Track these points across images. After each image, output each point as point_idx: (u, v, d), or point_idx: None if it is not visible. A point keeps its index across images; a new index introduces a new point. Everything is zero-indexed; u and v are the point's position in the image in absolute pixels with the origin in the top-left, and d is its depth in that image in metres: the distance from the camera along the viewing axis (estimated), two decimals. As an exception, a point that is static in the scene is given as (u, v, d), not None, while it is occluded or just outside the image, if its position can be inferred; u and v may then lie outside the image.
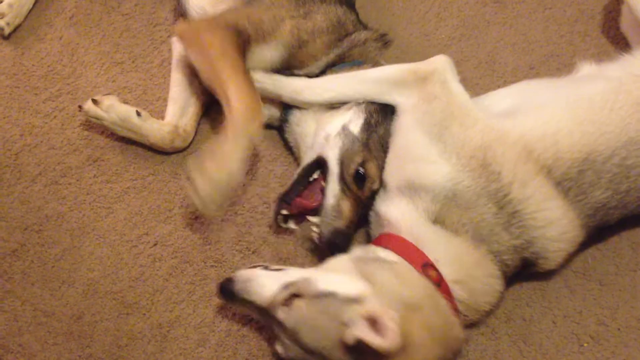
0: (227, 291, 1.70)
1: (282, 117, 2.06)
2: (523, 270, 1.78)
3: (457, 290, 1.66)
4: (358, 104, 1.93)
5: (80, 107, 2.07)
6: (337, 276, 1.63)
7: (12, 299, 1.92)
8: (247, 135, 1.85)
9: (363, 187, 1.86)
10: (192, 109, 2.14)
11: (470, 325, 1.77)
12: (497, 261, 1.70)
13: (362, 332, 1.46)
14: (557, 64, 2.27)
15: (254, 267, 1.75)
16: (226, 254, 1.97)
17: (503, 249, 1.70)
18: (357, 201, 1.85)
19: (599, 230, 1.85)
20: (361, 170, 1.84)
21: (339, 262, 1.71)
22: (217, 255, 1.97)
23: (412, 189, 1.72)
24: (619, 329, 1.83)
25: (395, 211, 1.74)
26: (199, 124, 2.16)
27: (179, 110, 2.13)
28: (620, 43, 2.24)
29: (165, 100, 2.17)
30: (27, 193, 2.07)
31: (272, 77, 2.00)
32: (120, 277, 1.94)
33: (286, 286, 1.63)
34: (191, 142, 2.14)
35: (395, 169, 1.81)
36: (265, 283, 1.67)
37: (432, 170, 1.72)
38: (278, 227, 1.90)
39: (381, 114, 1.91)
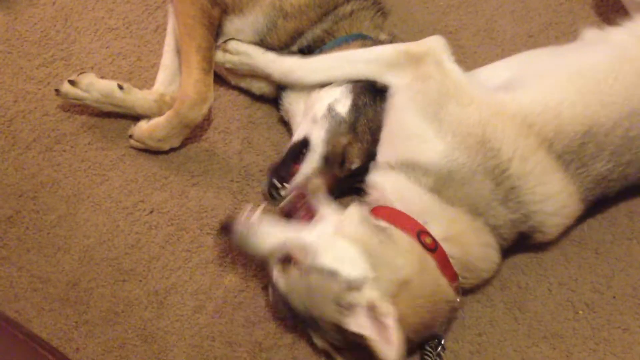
0: (227, 232, 1.70)
1: (278, 93, 2.04)
2: (519, 243, 1.77)
3: (450, 248, 1.65)
4: (347, 83, 1.90)
5: (57, 90, 2.02)
6: (341, 250, 1.61)
7: (8, 266, 1.91)
8: (188, 121, 1.93)
9: (342, 167, 1.86)
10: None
11: (468, 292, 1.78)
12: (494, 234, 1.69)
13: (371, 334, 1.49)
14: (556, 32, 2.26)
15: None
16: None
17: (500, 223, 1.69)
18: (332, 179, 1.86)
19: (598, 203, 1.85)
20: (345, 152, 1.84)
21: (351, 216, 1.68)
22: (214, 223, 1.96)
23: (406, 166, 1.71)
24: (614, 297, 1.84)
25: (389, 184, 1.73)
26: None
27: (168, 77, 2.11)
28: (620, 11, 2.21)
29: (161, 67, 2.14)
30: (21, 160, 2.06)
31: (264, 54, 1.98)
32: (116, 244, 1.94)
33: (284, 246, 1.63)
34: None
35: (389, 146, 1.79)
36: (267, 233, 1.66)
37: (426, 148, 1.70)
38: (271, 199, 1.89)
39: (369, 95, 1.88)
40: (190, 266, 1.91)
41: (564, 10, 2.29)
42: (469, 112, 1.70)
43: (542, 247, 1.88)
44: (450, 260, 1.65)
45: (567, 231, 1.85)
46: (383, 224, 1.66)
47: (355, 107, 1.87)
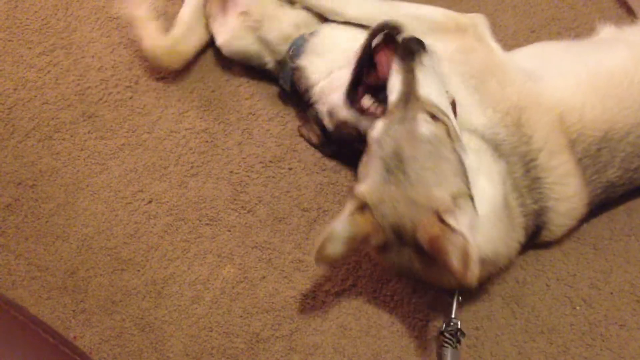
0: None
1: (277, 67, 2.01)
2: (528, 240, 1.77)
3: None
4: None
5: None
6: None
7: (6, 253, 1.91)
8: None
9: None
10: (196, 38, 2.11)
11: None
12: (523, 215, 1.68)
13: (454, 257, 1.42)
14: (558, 28, 2.25)
15: None
16: (221, 212, 1.96)
17: (526, 211, 1.68)
18: None
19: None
20: None
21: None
22: (212, 214, 1.96)
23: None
24: (611, 293, 1.84)
25: None
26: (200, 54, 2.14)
27: (181, 33, 2.09)
28: (623, 7, 2.20)
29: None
30: (20, 148, 2.05)
31: None
32: (115, 233, 1.94)
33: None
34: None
35: None
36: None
37: (473, 116, 1.68)
38: (361, 111, 1.77)
39: None
40: (189, 256, 1.91)
41: (565, 6, 2.28)
42: (508, 93, 1.70)
43: (543, 246, 1.88)
44: None
45: (569, 232, 1.85)
46: None
47: None
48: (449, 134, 1.55)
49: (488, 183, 1.62)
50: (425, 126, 1.53)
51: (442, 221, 1.45)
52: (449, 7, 2.26)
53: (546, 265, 1.88)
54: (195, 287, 1.87)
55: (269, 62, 2.04)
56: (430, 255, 1.48)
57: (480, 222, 1.54)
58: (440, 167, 1.51)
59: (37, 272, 1.88)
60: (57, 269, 1.89)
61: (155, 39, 2.05)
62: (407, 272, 1.61)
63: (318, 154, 2.03)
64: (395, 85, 1.60)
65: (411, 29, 1.76)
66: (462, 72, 1.73)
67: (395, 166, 1.51)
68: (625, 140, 1.71)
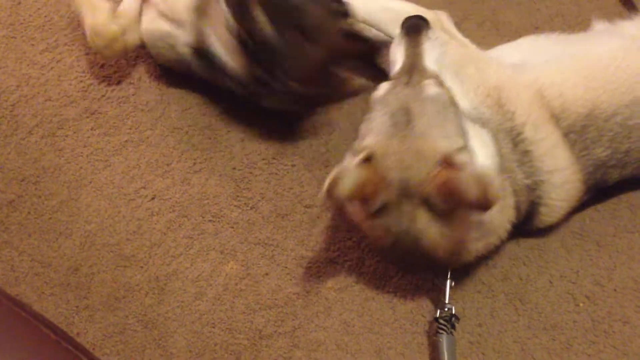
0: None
1: None
2: (523, 224, 1.77)
3: None
4: None
5: None
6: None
7: (9, 250, 1.91)
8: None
9: None
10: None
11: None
12: (514, 196, 1.69)
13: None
14: (562, 24, 2.24)
15: None
16: (224, 209, 1.96)
17: (518, 188, 1.69)
18: None
19: (598, 192, 1.85)
20: None
21: None
22: (215, 210, 1.96)
23: None
24: (615, 290, 1.84)
25: None
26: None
27: (128, 23, 2.05)
28: (627, 4, 2.20)
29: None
30: (23, 144, 2.05)
31: None
32: (118, 229, 1.94)
33: None
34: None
35: None
36: None
37: (457, 100, 1.69)
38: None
39: None
40: (192, 253, 1.91)
41: (570, 2, 2.28)
42: (486, 76, 1.75)
43: (543, 236, 1.88)
44: None
45: (568, 216, 1.85)
46: None
47: None
48: (452, 100, 1.61)
49: (484, 149, 1.64)
50: (432, 89, 1.60)
51: (449, 166, 1.49)
52: (450, 4, 2.29)
53: (549, 262, 1.87)
54: (198, 283, 1.87)
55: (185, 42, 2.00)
56: (439, 206, 1.50)
57: None
58: (445, 126, 1.56)
59: (40, 269, 1.89)
60: (60, 266, 1.89)
61: (102, 24, 2.01)
62: (401, 243, 1.59)
63: (320, 150, 2.03)
64: (398, 57, 1.69)
65: (381, 18, 1.88)
66: (441, 60, 1.75)
67: (403, 120, 1.55)
68: (612, 121, 1.73)
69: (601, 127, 1.73)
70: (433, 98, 1.59)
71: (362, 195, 1.55)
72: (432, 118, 1.56)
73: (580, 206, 1.86)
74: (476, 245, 1.69)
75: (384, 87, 1.66)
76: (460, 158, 1.51)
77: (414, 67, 1.66)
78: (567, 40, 1.96)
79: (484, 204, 1.47)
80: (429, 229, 1.56)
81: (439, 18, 1.87)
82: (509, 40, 2.22)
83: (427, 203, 1.52)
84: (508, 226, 1.72)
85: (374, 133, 1.59)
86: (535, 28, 2.24)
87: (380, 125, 1.59)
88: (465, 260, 1.71)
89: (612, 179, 1.82)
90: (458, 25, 2.23)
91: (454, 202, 1.49)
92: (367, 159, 1.54)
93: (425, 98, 1.59)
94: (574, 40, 1.95)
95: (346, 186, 1.52)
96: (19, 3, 2.26)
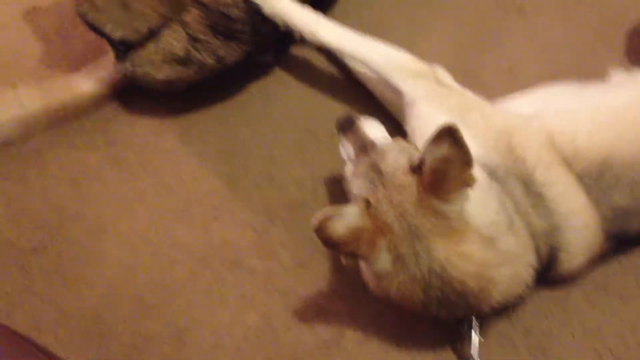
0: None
1: None
2: (545, 272, 1.75)
3: None
4: None
5: None
6: None
7: (31, 296, 1.92)
8: None
9: None
10: None
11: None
12: (532, 238, 1.68)
13: None
14: (580, 73, 2.24)
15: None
16: (244, 257, 1.97)
17: (535, 232, 1.68)
18: None
19: (620, 242, 1.83)
20: None
21: None
22: (235, 258, 1.97)
23: None
24: (638, 343, 1.82)
25: None
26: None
27: None
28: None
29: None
30: (47, 191, 2.08)
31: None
32: (139, 278, 1.95)
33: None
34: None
35: None
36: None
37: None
38: None
39: None
40: (211, 302, 1.91)
41: (588, 51, 2.29)
42: (493, 122, 1.77)
43: (565, 289, 1.86)
44: None
45: (590, 268, 1.83)
46: None
47: None
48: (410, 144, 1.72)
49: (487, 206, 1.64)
50: (386, 143, 1.73)
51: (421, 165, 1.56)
52: (470, 52, 2.32)
53: (572, 315, 1.85)
54: (217, 332, 1.87)
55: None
56: (437, 193, 1.53)
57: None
58: (410, 153, 1.64)
59: (62, 318, 1.89)
60: (82, 316, 1.89)
61: None
62: (431, 289, 1.58)
63: (340, 200, 2.04)
64: (349, 151, 1.81)
65: (378, 63, 1.92)
66: (446, 109, 1.80)
67: (376, 175, 1.62)
68: (630, 169, 1.71)
69: (618, 175, 1.71)
70: (390, 145, 1.71)
71: (359, 239, 1.55)
72: (396, 155, 1.64)
73: (603, 258, 1.84)
74: (500, 272, 1.63)
75: (348, 168, 1.79)
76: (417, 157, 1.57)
77: (364, 145, 1.75)
78: (582, 90, 1.96)
79: (465, 160, 1.51)
80: (449, 254, 1.55)
81: (433, 70, 1.89)
82: (525, 89, 2.24)
83: (429, 210, 1.55)
84: (531, 271, 1.70)
85: (359, 194, 1.65)
86: (553, 77, 2.25)
87: (359, 189, 1.66)
88: (495, 300, 1.64)
89: (633, 229, 1.80)
90: (476, 73, 2.28)
91: (444, 180, 1.53)
92: (366, 205, 1.58)
93: (384, 150, 1.68)
94: (589, 90, 1.95)
95: (340, 226, 1.53)
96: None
